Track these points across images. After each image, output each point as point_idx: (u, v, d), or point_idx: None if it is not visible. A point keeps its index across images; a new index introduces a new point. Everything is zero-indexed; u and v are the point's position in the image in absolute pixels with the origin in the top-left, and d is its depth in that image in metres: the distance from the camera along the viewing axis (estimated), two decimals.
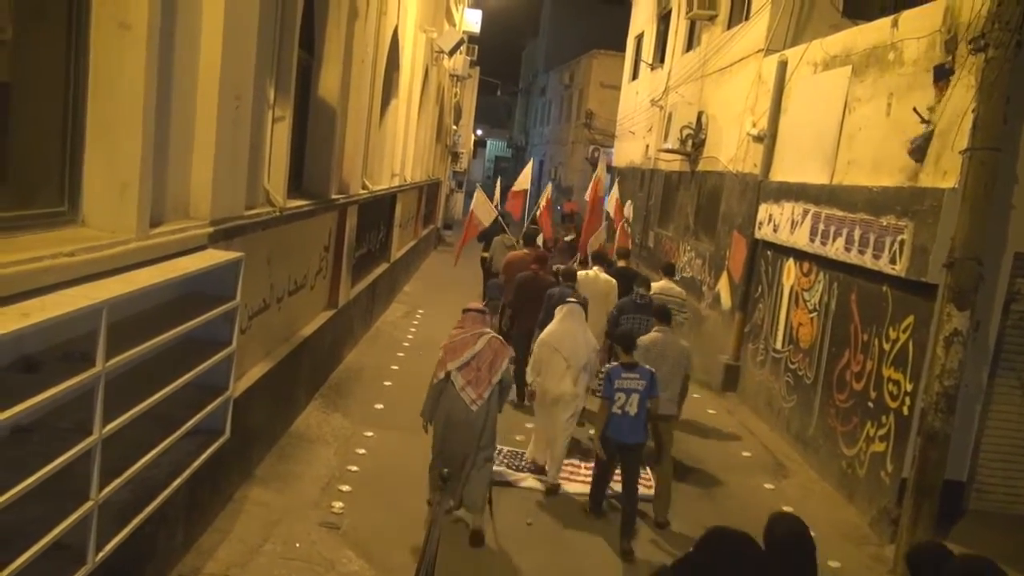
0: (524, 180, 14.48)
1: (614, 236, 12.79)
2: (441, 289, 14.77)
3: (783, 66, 9.82)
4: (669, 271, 9.62)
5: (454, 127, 24.79)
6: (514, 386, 6.54)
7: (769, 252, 9.73)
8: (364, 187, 9.61)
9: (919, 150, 6.37)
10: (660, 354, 6.60)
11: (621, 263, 10.19)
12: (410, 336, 11.08)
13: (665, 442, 6.62)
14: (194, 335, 4.10)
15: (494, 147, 57.18)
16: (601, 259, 9.75)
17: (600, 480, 6.40)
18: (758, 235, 9.92)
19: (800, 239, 8.55)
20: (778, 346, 9.17)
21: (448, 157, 24.52)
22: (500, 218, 13.73)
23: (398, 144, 12.40)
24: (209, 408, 4.34)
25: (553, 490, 6.70)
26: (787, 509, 3.80)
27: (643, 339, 6.66)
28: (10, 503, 2.61)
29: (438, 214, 22.10)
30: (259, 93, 5.59)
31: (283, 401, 6.73)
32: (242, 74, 5.06)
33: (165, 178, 4.34)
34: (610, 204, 13.60)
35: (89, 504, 3.11)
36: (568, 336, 6.75)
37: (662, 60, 17.44)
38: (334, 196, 7.90)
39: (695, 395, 9.90)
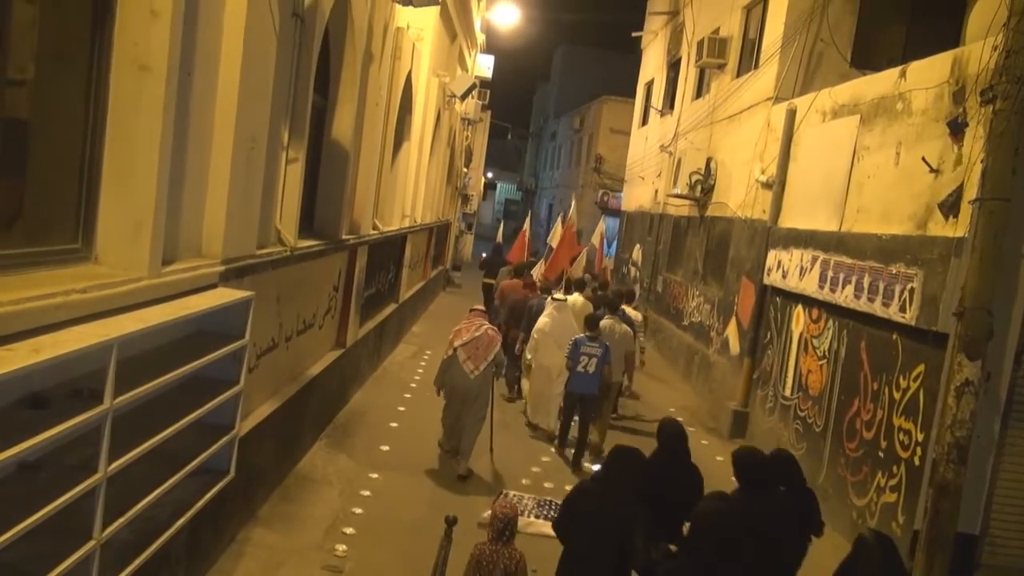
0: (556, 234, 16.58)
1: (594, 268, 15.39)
2: (449, 330, 14.73)
3: (792, 114, 9.91)
4: (630, 298, 11.87)
5: (465, 169, 25.01)
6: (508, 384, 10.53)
7: (778, 298, 9.71)
8: (375, 228, 9.68)
9: (952, 208, 6.32)
10: (609, 335, 8.83)
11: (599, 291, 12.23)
12: (417, 377, 11.05)
13: (609, 398, 9.15)
14: (202, 373, 4.10)
15: (504, 190, 57.67)
16: (580, 286, 11.79)
17: (566, 423, 8.75)
18: (767, 281, 9.91)
19: (809, 286, 8.54)
20: (787, 393, 9.11)
21: (458, 199, 24.69)
22: (502, 250, 17.74)
23: (409, 186, 12.51)
24: (215, 447, 4.33)
25: (551, 435, 9.13)
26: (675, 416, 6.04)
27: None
28: (13, 540, 2.60)
29: (447, 255, 22.19)
30: (273, 135, 5.67)
31: (288, 441, 6.70)
32: (258, 116, 5.14)
33: (179, 217, 4.39)
34: (595, 238, 16.25)
35: (91, 543, 3.08)
36: (557, 325, 9.14)
37: (672, 107, 17.64)
38: (344, 236, 7.95)
39: (703, 441, 9.84)
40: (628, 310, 10.86)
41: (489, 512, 6.66)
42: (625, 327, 9.25)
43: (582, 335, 8.47)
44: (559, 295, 10.03)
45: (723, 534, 3.84)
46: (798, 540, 4.82)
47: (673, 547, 4.51)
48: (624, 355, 9.17)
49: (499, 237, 21.19)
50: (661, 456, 5.34)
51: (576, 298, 10.85)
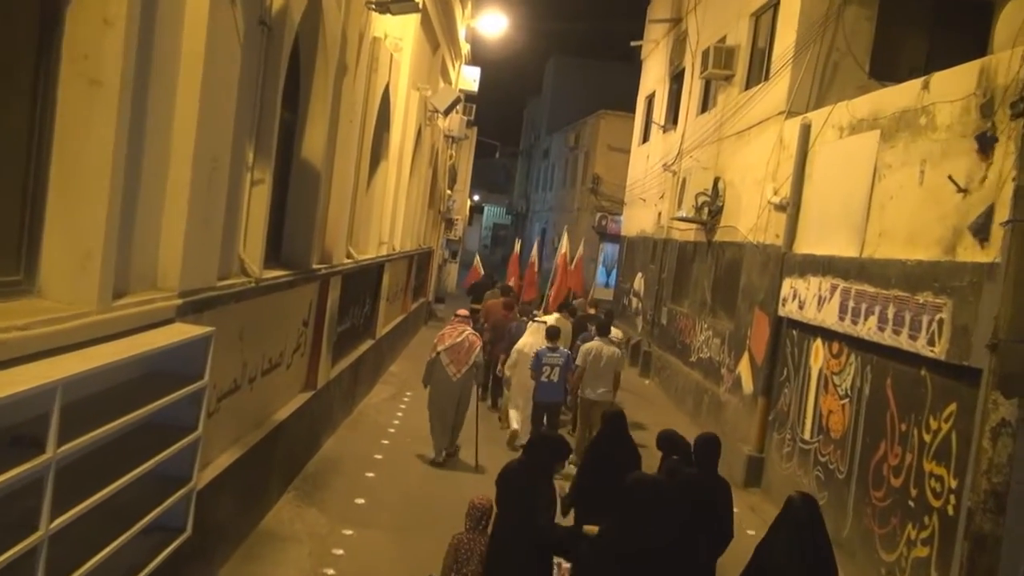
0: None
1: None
2: None
3: (806, 129, 10.03)
4: (608, 318, 12.83)
5: (448, 191, 25.14)
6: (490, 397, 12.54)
7: (794, 331, 9.75)
8: (349, 256, 9.70)
9: (982, 229, 6.35)
10: (597, 356, 10.13)
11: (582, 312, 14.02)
12: (396, 422, 11.02)
13: (596, 418, 9.46)
14: (156, 418, 4.08)
15: (492, 213, 57.90)
16: (562, 308, 13.79)
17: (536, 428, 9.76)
18: (782, 312, 9.96)
19: (828, 317, 8.59)
20: (806, 436, 9.11)
21: (442, 224, 24.78)
22: (490, 276, 19.60)
23: (387, 210, 12.56)
24: (169, 501, 4.30)
25: (515, 436, 10.36)
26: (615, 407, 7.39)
27: (586, 345, 10.37)
28: None
29: (430, 286, 22.21)
30: (237, 155, 5.69)
31: (252, 494, 6.65)
32: (220, 135, 5.18)
33: (131, 246, 4.39)
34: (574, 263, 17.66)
35: None
36: (535, 344, 10.47)
37: (675, 122, 17.81)
38: (315, 266, 7.96)
39: None
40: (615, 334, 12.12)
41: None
42: (614, 349, 10.44)
43: (543, 347, 9.95)
44: (540, 317, 11.41)
45: (636, 502, 4.72)
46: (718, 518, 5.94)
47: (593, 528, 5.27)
48: (613, 375, 10.39)
49: (477, 265, 21.89)
50: (603, 436, 6.95)
51: (559, 319, 12.13)
